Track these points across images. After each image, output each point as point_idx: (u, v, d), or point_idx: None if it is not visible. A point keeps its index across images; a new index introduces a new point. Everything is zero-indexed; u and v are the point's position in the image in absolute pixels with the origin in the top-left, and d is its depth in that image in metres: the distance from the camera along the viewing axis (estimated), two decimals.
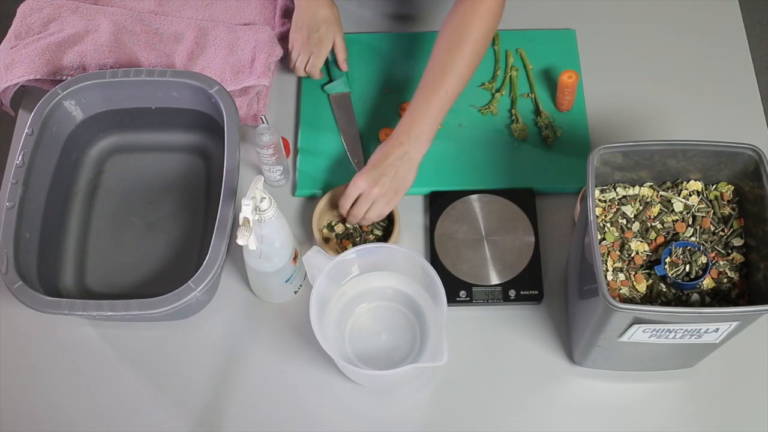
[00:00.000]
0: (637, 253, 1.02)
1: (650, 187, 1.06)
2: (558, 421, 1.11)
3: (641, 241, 1.03)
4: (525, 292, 1.17)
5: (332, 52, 1.34)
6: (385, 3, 1.42)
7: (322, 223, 1.22)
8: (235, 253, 1.22)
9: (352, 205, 1.17)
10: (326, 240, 1.21)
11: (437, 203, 1.23)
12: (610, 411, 1.12)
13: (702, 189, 1.05)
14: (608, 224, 1.04)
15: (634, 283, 1.01)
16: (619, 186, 1.06)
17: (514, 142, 1.29)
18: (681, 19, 1.41)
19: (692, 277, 0.99)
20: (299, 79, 1.37)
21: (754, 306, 0.91)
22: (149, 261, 1.22)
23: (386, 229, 1.22)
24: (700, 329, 0.95)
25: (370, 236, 1.21)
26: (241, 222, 0.99)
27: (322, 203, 1.21)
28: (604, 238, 1.03)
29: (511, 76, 1.34)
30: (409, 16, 1.42)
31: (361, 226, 1.22)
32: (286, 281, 1.15)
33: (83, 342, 1.18)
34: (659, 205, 1.05)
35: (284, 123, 1.34)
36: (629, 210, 1.05)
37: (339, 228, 1.22)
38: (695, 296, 0.99)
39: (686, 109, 1.32)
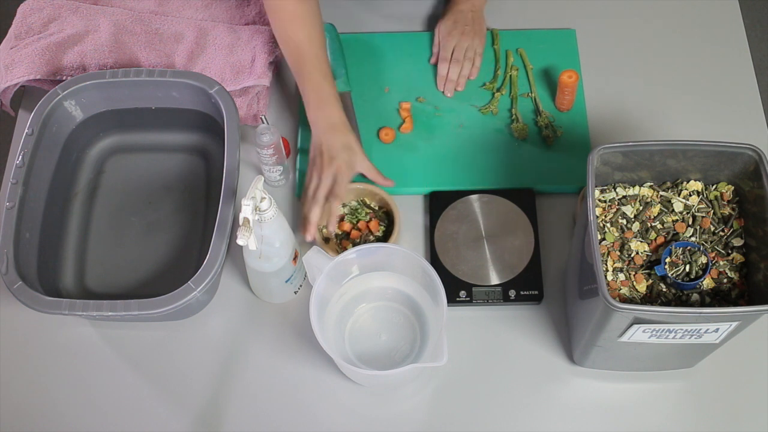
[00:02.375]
0: (637, 253, 1.02)
1: (650, 187, 1.06)
2: (558, 421, 1.11)
3: (641, 241, 1.03)
4: (525, 292, 1.16)
5: (341, 59, 1.33)
6: (385, 3, 1.42)
7: (322, 223, 1.22)
8: (235, 253, 1.22)
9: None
10: (326, 240, 1.21)
11: (437, 203, 1.23)
12: (610, 411, 1.12)
13: (702, 189, 1.05)
14: (608, 224, 1.04)
15: (634, 283, 1.01)
16: (619, 186, 1.06)
17: (514, 142, 1.29)
18: (681, 19, 1.41)
19: (692, 277, 0.99)
20: None
21: (754, 306, 0.91)
22: (149, 261, 1.22)
23: (386, 229, 1.22)
24: (700, 329, 0.94)
25: (370, 236, 1.21)
26: (241, 222, 0.99)
27: None
28: (604, 238, 1.03)
29: (511, 75, 1.34)
30: (409, 16, 1.42)
31: (360, 227, 1.22)
32: (286, 281, 1.15)
33: (83, 342, 1.18)
34: (659, 205, 1.05)
35: (284, 123, 1.34)
36: (629, 210, 1.05)
37: (339, 228, 1.22)
38: (695, 296, 0.99)
39: (686, 109, 1.32)
